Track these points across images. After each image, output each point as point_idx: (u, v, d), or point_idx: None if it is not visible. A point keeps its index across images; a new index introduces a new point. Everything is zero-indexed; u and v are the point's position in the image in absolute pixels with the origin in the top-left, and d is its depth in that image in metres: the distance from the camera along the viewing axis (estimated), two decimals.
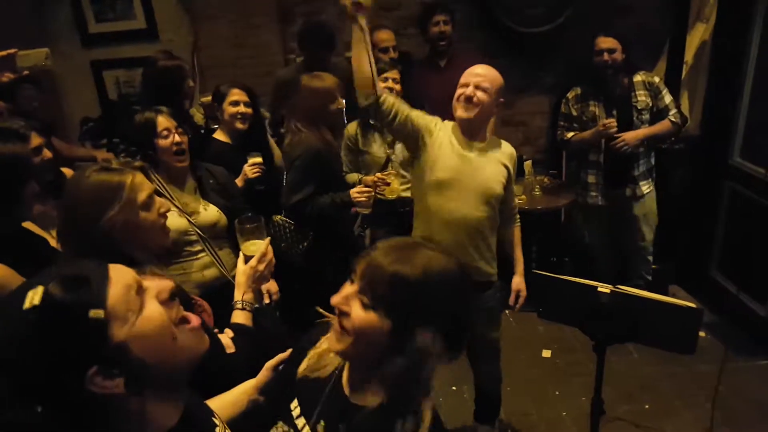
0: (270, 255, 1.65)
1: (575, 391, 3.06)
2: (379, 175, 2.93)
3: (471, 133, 2.35)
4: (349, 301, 1.03)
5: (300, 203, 2.68)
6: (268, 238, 1.69)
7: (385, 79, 2.93)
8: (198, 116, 3.30)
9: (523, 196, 3.69)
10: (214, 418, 1.05)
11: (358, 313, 1.02)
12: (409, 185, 3.16)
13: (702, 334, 3.45)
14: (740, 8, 3.50)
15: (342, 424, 1.09)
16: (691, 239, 3.96)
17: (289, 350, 1.28)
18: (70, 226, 1.50)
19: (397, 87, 2.96)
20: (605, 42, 3.25)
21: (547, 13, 3.90)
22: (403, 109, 2.30)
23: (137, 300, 0.86)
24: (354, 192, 2.72)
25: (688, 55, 3.86)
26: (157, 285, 0.90)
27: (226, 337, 1.52)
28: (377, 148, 3.09)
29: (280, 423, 1.18)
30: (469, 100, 2.26)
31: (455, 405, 3.06)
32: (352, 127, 3.13)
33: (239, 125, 2.88)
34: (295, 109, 2.77)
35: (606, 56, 3.25)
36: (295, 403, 1.18)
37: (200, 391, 1.24)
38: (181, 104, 2.92)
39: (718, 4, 3.66)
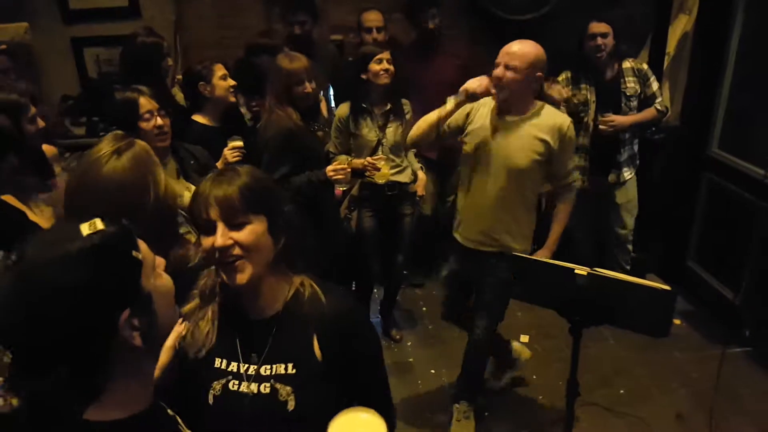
0: None
1: (552, 376, 3.09)
2: (369, 159, 2.92)
3: (506, 109, 2.40)
4: (227, 234, 1.17)
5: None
6: None
7: (380, 61, 2.95)
8: (180, 96, 3.25)
9: None
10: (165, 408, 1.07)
11: (240, 235, 1.18)
12: (398, 169, 3.17)
13: (677, 322, 3.51)
14: (722, 0, 3.53)
15: (270, 338, 1.25)
16: (669, 229, 4.01)
17: (184, 324, 1.30)
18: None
19: (391, 68, 2.97)
20: (598, 27, 3.27)
21: (533, 1, 3.91)
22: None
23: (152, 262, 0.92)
24: (329, 170, 2.71)
25: (670, 46, 3.89)
26: (155, 257, 0.94)
27: None
28: (368, 132, 3.08)
29: (215, 383, 1.25)
30: (497, 81, 2.32)
31: (434, 388, 3.10)
32: (343, 109, 3.11)
33: (232, 98, 2.94)
34: (269, 87, 2.75)
35: (599, 40, 3.26)
36: (217, 361, 1.27)
37: None
38: (161, 83, 2.88)
39: None
